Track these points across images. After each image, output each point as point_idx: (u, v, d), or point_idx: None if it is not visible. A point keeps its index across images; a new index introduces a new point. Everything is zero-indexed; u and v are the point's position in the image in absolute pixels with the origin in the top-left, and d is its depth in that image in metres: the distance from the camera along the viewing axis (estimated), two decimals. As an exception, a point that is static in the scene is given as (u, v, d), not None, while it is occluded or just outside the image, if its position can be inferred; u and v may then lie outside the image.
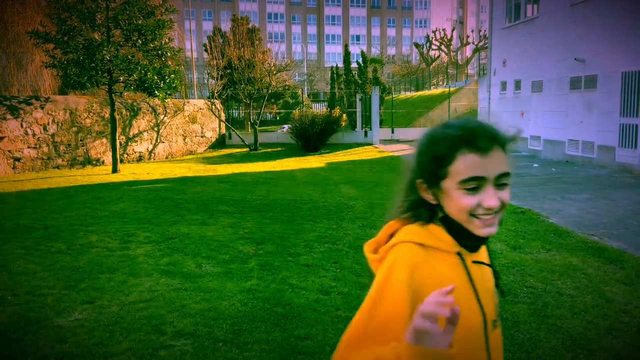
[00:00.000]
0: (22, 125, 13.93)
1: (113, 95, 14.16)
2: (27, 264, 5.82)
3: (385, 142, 24.37)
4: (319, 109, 28.17)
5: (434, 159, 1.20)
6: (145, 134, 18.31)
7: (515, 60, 19.06)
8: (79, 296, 4.79)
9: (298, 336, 3.89)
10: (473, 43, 50.66)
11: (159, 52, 13.92)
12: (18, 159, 13.88)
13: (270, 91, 22.95)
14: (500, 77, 20.34)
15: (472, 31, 58.81)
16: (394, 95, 35.46)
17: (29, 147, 14.16)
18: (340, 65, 33.63)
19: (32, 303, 4.64)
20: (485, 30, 43.90)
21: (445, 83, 40.03)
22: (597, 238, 6.66)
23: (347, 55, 30.31)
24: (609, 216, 7.99)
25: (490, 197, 1.16)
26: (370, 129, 23.82)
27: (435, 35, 52.10)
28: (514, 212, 8.28)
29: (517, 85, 18.95)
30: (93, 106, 15.97)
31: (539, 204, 9.00)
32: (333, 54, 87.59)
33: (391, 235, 1.32)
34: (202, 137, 21.95)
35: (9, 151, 13.67)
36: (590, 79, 14.45)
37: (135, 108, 17.87)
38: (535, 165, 14.78)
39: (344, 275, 5.26)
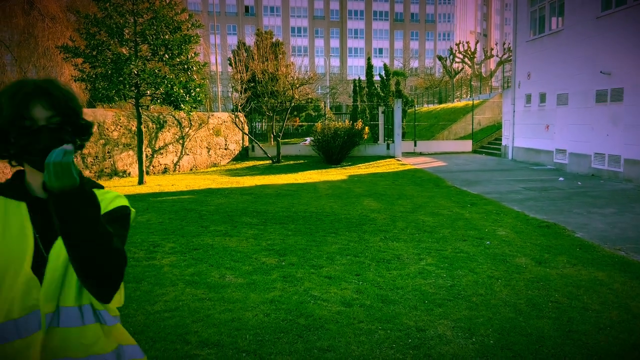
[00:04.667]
0: (51, 138, 14.24)
1: (140, 108, 14.43)
2: (56, 273, 5.94)
3: (407, 155, 24.31)
4: (342, 121, 28.26)
5: None
6: (170, 146, 18.59)
7: (540, 73, 18.92)
8: (105, 305, 4.87)
9: (320, 348, 3.91)
10: (497, 56, 50.39)
11: (185, 66, 14.17)
12: (47, 171, 14.18)
13: (293, 104, 23.13)
14: (525, 90, 20.20)
15: (496, 44, 58.51)
16: (416, 108, 35.40)
17: (57, 159, 14.46)
18: (363, 78, 33.74)
19: (60, 311, 4.74)
20: (509, 43, 43.66)
21: (468, 96, 39.84)
22: (624, 253, 6.55)
23: (369, 68, 30.39)
24: (636, 231, 7.86)
25: None
26: (393, 142, 23.80)
27: (458, 47, 51.96)
28: (539, 226, 8.20)
29: (542, 98, 18.79)
30: (120, 119, 16.29)
31: (564, 218, 8.90)
32: (355, 67, 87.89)
33: None
34: (225, 149, 22.18)
35: (39, 163, 13.98)
36: (616, 92, 14.27)
37: (161, 121, 18.17)
38: (560, 179, 14.60)
39: (366, 288, 5.26)
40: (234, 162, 22.22)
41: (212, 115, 21.58)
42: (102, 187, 1.62)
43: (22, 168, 1.53)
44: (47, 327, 1.40)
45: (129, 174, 16.54)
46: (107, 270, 1.33)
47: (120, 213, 1.54)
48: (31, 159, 1.41)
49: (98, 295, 1.37)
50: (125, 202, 1.58)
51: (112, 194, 1.59)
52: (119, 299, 1.54)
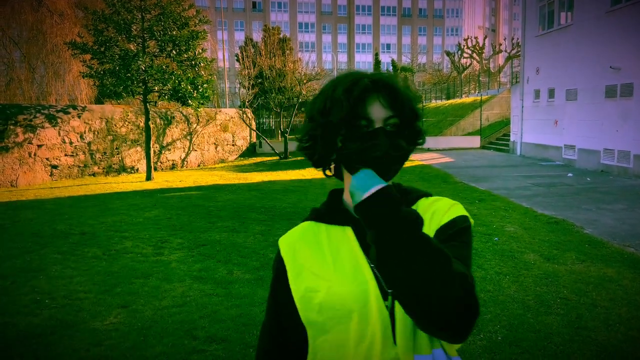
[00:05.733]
0: (59, 134, 14.33)
1: (148, 104, 14.46)
2: (64, 268, 5.99)
3: (415, 150, 24.21)
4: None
5: None
6: (178, 142, 18.63)
7: (549, 68, 18.79)
8: (114, 300, 4.91)
9: (328, 343, 3.90)
10: (505, 51, 50.06)
11: (193, 62, 14.17)
12: (55, 167, 14.27)
13: (300, 100, 23.10)
14: (534, 86, 20.07)
15: (505, 39, 58.14)
16: (424, 104, 35.27)
17: (66, 155, 14.55)
18: (371, 74, 33.61)
19: (68, 307, 4.77)
20: (518, 38, 43.37)
21: (477, 91, 39.64)
22: (633, 249, 6.50)
23: (377, 63, 30.32)
24: (646, 227, 7.80)
25: None
26: (401, 138, 23.71)
27: (467, 43, 51.65)
28: (547, 222, 8.15)
29: (551, 93, 18.66)
30: (128, 115, 16.34)
31: (573, 214, 8.84)
32: (363, 63, 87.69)
33: None
34: (233, 145, 22.20)
35: (47, 159, 14.07)
36: (626, 87, 14.15)
37: (169, 117, 18.21)
38: (569, 174, 14.51)
39: (374, 284, 5.25)
40: (242, 158, 22.24)
41: (220, 111, 21.60)
42: (429, 195, 1.27)
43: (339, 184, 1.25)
44: None
45: (137, 170, 16.60)
46: (449, 307, 0.91)
47: (460, 226, 1.16)
48: (362, 168, 1.09)
49: (448, 337, 0.96)
50: (462, 210, 1.21)
51: (445, 202, 1.23)
52: None
